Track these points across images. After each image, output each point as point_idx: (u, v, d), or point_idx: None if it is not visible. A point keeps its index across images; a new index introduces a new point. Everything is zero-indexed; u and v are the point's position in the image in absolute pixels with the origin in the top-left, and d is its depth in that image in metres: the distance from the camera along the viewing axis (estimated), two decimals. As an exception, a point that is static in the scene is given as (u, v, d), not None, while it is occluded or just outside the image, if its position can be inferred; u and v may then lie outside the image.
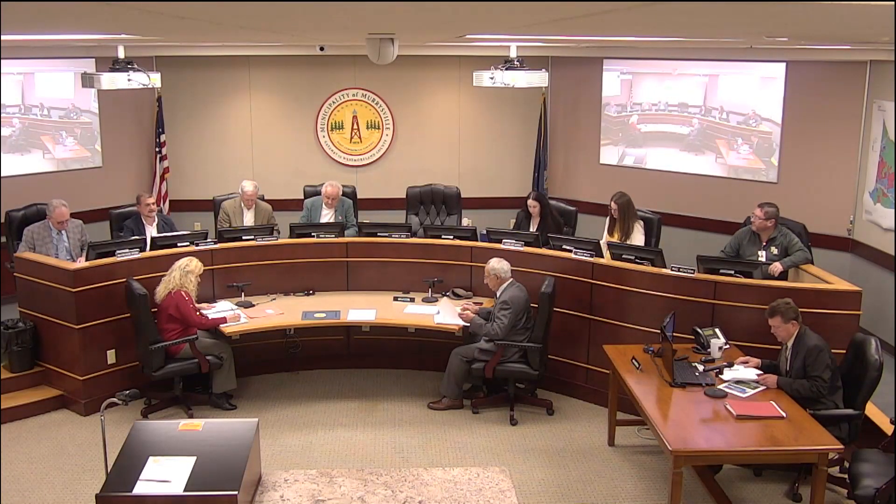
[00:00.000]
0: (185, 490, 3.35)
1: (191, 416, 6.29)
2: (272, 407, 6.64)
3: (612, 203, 7.38)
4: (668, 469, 4.67)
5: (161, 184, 9.56)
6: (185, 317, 6.26)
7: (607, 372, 6.07)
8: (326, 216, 7.98)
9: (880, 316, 7.29)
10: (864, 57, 7.56)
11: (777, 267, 6.43)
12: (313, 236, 7.34)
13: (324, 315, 6.64)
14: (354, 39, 6.13)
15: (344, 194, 8.45)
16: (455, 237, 7.35)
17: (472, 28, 4.36)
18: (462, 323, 6.41)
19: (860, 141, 8.00)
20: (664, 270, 6.29)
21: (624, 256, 6.63)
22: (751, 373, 5.33)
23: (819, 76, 8.22)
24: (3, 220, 7.77)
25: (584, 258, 6.63)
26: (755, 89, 8.65)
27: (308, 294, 7.18)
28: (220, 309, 6.75)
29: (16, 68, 8.51)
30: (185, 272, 6.30)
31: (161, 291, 6.28)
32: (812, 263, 6.60)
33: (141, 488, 3.36)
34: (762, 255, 6.65)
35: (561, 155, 10.11)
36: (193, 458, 3.51)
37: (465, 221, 9.11)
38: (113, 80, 6.91)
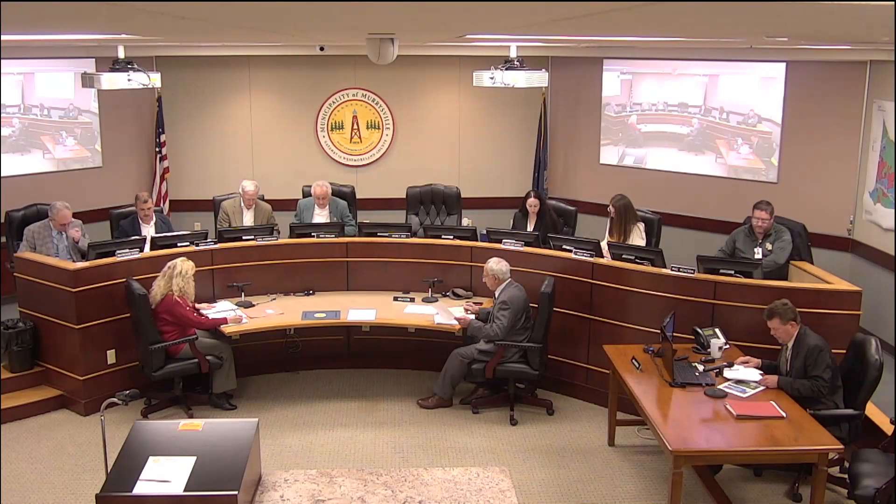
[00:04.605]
0: (185, 490, 3.35)
1: (191, 416, 6.28)
2: (272, 407, 6.64)
3: (611, 206, 7.37)
4: (668, 469, 4.66)
5: (161, 184, 9.55)
6: (181, 320, 6.25)
7: (607, 372, 6.07)
8: (319, 216, 7.97)
9: (880, 316, 7.29)
10: (864, 57, 7.55)
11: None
12: (313, 236, 7.34)
13: (324, 315, 6.64)
14: (354, 39, 6.13)
15: (342, 194, 8.45)
16: (455, 237, 7.35)
17: (472, 28, 4.36)
18: (459, 324, 6.41)
19: (860, 141, 8.00)
20: (664, 270, 6.29)
21: (624, 256, 6.63)
22: (752, 373, 5.33)
23: (819, 76, 8.22)
24: (3, 220, 7.77)
25: (584, 258, 6.63)
26: (755, 89, 8.64)
27: (308, 294, 7.18)
28: (220, 309, 6.75)
29: (16, 68, 8.51)
30: (168, 278, 6.26)
31: (155, 295, 6.27)
32: (794, 260, 6.67)
33: (141, 488, 3.36)
34: (758, 252, 6.66)
35: (561, 155, 10.11)
36: (193, 458, 3.51)
37: (465, 221, 9.11)
38: (113, 80, 6.90)
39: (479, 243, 7.25)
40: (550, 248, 6.97)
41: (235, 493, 3.32)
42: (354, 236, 7.57)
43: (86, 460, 5.79)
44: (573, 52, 9.30)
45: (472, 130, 10.14)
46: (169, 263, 6.35)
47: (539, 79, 6.93)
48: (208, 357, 6.35)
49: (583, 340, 6.67)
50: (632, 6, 2.60)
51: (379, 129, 10.09)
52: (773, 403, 4.95)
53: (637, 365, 5.57)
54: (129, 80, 6.89)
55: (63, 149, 9.04)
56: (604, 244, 7.04)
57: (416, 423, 6.39)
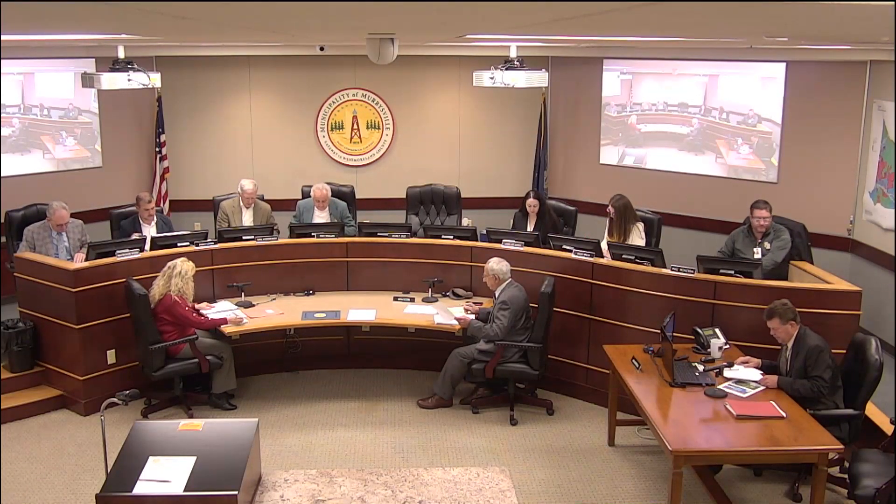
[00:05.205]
0: (185, 490, 3.35)
1: (191, 416, 6.28)
2: (272, 407, 6.64)
3: (610, 206, 7.37)
4: (668, 469, 4.67)
5: (161, 184, 9.56)
6: (181, 320, 6.25)
7: (607, 372, 6.07)
8: (319, 218, 7.96)
9: (880, 316, 7.29)
10: (864, 57, 7.55)
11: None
12: (313, 236, 7.34)
13: (324, 315, 6.64)
14: (354, 39, 6.13)
15: (341, 195, 8.45)
16: (455, 237, 7.35)
17: (472, 28, 4.36)
18: (459, 324, 6.41)
19: (860, 141, 8.00)
20: (664, 270, 6.29)
21: (624, 256, 6.63)
22: (752, 373, 5.33)
23: (819, 76, 8.22)
24: (3, 220, 7.77)
25: (584, 258, 6.63)
26: (755, 89, 8.65)
27: (308, 294, 7.18)
28: (220, 309, 6.75)
29: (16, 68, 8.51)
30: (168, 278, 6.27)
31: (154, 295, 6.26)
32: (794, 260, 6.69)
33: (141, 488, 3.36)
34: (758, 252, 6.66)
35: (561, 155, 10.11)
36: (193, 458, 3.51)
37: (465, 221, 9.11)
38: (113, 80, 6.90)
39: (479, 243, 7.25)
40: (550, 248, 6.97)
41: (235, 493, 3.32)
42: (354, 236, 7.57)
43: (86, 460, 5.79)
44: (573, 52, 9.30)
45: (472, 130, 10.14)
46: (169, 263, 6.35)
47: (539, 79, 6.93)
48: (208, 357, 6.35)
49: (583, 340, 6.67)
50: (632, 6, 2.60)
51: (379, 129, 10.09)
52: (773, 403, 4.95)
53: (637, 365, 5.57)
54: (129, 80, 6.89)
55: (63, 149, 9.04)
56: (603, 244, 7.04)
57: (416, 423, 6.39)
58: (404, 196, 8.84)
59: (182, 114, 9.79)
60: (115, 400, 4.20)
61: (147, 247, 6.98)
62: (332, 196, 8.09)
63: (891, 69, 7.30)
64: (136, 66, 6.95)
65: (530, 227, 7.87)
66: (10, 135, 8.59)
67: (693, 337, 5.84)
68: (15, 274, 6.95)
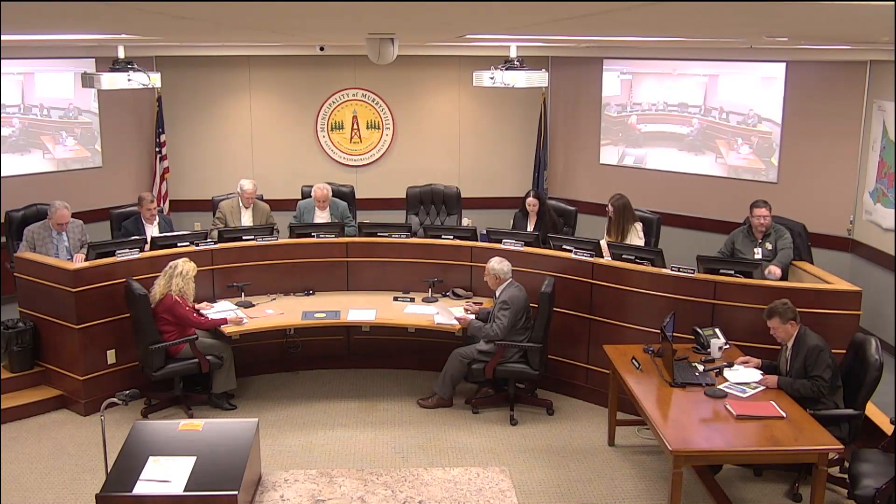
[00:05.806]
0: (185, 490, 3.35)
1: (191, 416, 6.28)
2: (272, 407, 6.64)
3: (609, 205, 7.38)
4: (668, 469, 4.67)
5: (161, 184, 9.56)
6: (181, 320, 6.25)
7: (607, 372, 6.07)
8: (320, 218, 7.95)
9: (880, 316, 7.29)
10: (864, 57, 7.56)
11: (776, 272, 6.41)
12: (313, 236, 7.34)
13: (324, 315, 6.64)
14: (354, 39, 6.14)
15: (341, 195, 8.45)
16: (455, 237, 7.35)
17: (472, 28, 4.36)
18: (459, 324, 6.41)
19: (860, 141, 8.00)
20: (664, 270, 6.29)
21: (624, 256, 6.63)
22: (752, 373, 5.33)
23: (819, 76, 8.22)
24: (3, 220, 7.77)
25: (584, 258, 6.63)
26: (755, 89, 8.65)
27: (308, 294, 7.18)
28: (220, 309, 6.75)
29: (16, 68, 8.51)
30: (169, 278, 6.27)
31: (154, 294, 6.26)
32: (794, 260, 6.68)
33: (141, 488, 3.36)
34: (758, 252, 6.66)
35: (561, 155, 10.11)
36: (193, 458, 3.51)
37: (465, 221, 9.11)
38: (113, 80, 6.91)
39: (479, 243, 7.25)
40: (550, 248, 6.97)
41: (235, 493, 3.32)
42: (354, 236, 7.57)
43: (86, 460, 5.79)
44: (573, 52, 9.30)
45: (472, 130, 10.14)
46: (171, 263, 6.35)
47: (539, 79, 6.94)
48: (208, 357, 6.35)
49: (583, 340, 6.67)
50: (632, 6, 2.60)
51: (379, 129, 10.09)
52: (773, 403, 4.95)
53: (637, 365, 5.57)
54: (129, 80, 6.90)
55: (63, 149, 9.04)
56: (603, 243, 7.04)
57: (416, 423, 6.39)
58: (404, 196, 8.84)
59: (182, 114, 9.79)
60: (115, 400, 4.20)
61: (147, 247, 6.98)
62: (332, 196, 8.09)
63: (891, 69, 7.30)
64: (136, 66, 6.96)
65: (530, 227, 7.87)
66: (10, 135, 8.59)
67: (693, 337, 5.84)
68: (15, 274, 6.95)
